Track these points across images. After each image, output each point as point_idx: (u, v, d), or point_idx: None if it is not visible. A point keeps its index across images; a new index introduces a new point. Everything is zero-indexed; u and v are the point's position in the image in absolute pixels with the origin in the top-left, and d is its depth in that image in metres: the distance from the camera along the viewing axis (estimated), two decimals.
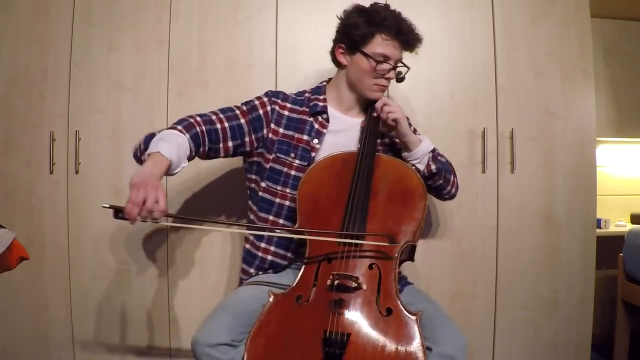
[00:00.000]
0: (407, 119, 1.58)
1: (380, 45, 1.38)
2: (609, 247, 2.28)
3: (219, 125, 1.36)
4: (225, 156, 1.41)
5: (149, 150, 1.19)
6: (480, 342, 1.84)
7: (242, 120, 1.40)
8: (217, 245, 1.81)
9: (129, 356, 1.79)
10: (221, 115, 1.38)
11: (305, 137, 1.43)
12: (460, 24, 1.87)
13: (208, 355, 1.10)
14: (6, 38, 1.79)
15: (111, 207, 1.07)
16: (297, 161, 1.41)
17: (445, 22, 1.87)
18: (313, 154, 1.42)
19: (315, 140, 1.43)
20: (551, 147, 1.87)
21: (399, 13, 1.41)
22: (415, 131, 1.58)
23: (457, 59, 1.87)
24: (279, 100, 1.46)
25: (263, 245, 1.43)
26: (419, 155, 1.42)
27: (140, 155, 1.30)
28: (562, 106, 1.88)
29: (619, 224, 2.63)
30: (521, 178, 1.86)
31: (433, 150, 1.45)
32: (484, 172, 1.85)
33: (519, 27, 1.88)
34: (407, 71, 1.47)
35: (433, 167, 1.43)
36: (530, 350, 1.86)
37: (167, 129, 1.29)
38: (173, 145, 1.21)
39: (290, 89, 1.66)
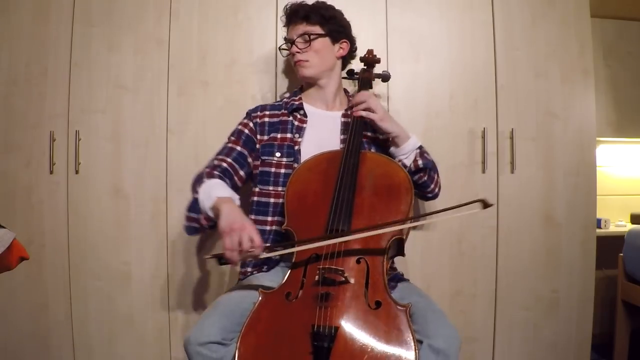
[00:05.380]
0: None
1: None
2: (609, 247, 2.28)
3: (225, 164, 1.44)
4: (243, 184, 1.49)
5: (209, 204, 1.26)
6: (480, 342, 1.84)
7: (239, 148, 1.48)
8: (217, 245, 1.81)
9: (129, 356, 1.79)
10: (221, 156, 1.46)
11: (288, 135, 1.49)
12: (460, 24, 1.87)
13: (199, 354, 1.11)
14: (6, 38, 1.79)
15: (213, 256, 1.19)
16: (284, 159, 1.46)
17: (445, 23, 1.87)
18: (297, 148, 1.47)
19: (297, 135, 1.49)
20: (551, 147, 1.87)
21: None
22: None
23: (457, 59, 1.86)
24: (258, 113, 1.55)
25: None
26: (407, 151, 1.45)
27: (203, 221, 1.32)
28: (562, 106, 1.88)
29: (619, 224, 2.63)
30: (521, 178, 1.86)
31: (420, 147, 1.49)
32: (484, 172, 1.85)
33: (519, 27, 1.87)
34: (387, 73, 1.62)
35: (420, 162, 1.45)
36: (530, 350, 1.86)
37: (196, 189, 1.34)
38: (219, 186, 1.32)
39: (290, 89, 1.67)
